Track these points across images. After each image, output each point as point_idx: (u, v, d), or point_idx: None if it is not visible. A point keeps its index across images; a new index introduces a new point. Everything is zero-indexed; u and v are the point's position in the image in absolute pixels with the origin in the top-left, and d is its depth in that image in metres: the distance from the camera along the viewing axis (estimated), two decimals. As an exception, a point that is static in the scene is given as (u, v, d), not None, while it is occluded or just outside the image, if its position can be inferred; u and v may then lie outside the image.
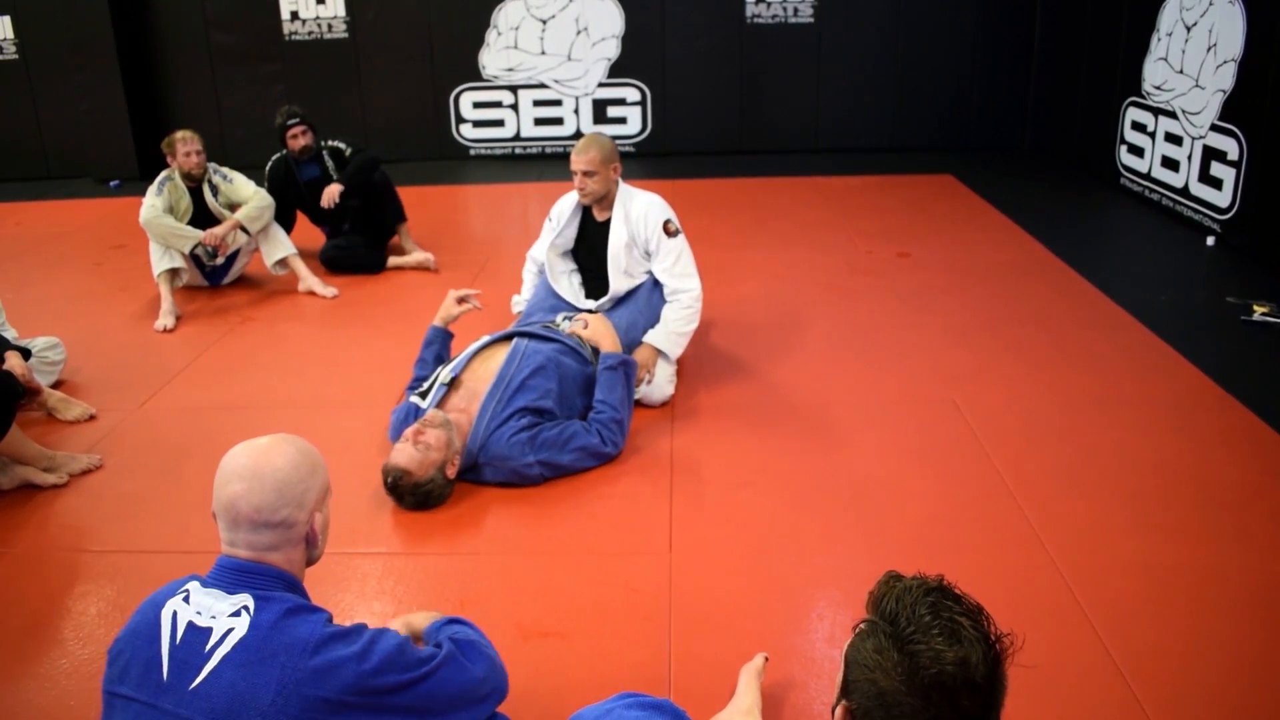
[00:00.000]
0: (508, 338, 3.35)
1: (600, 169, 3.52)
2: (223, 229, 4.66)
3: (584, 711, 1.55)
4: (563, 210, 3.75)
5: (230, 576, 1.53)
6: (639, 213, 3.58)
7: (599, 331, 3.32)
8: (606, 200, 3.62)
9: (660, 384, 3.52)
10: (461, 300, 3.50)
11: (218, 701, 1.43)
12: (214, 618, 1.49)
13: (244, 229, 4.75)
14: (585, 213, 3.73)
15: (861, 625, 1.24)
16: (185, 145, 4.68)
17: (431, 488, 2.89)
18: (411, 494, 2.88)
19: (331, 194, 4.99)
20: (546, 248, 3.77)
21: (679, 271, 3.58)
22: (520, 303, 4.07)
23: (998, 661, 1.17)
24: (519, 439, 3.00)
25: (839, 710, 1.24)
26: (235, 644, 1.46)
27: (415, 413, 3.15)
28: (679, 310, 3.57)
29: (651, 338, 3.53)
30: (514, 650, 2.25)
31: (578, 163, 3.52)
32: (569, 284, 3.80)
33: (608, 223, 3.63)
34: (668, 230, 3.56)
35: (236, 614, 1.49)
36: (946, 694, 1.14)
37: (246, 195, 4.79)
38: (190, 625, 1.49)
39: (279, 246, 4.87)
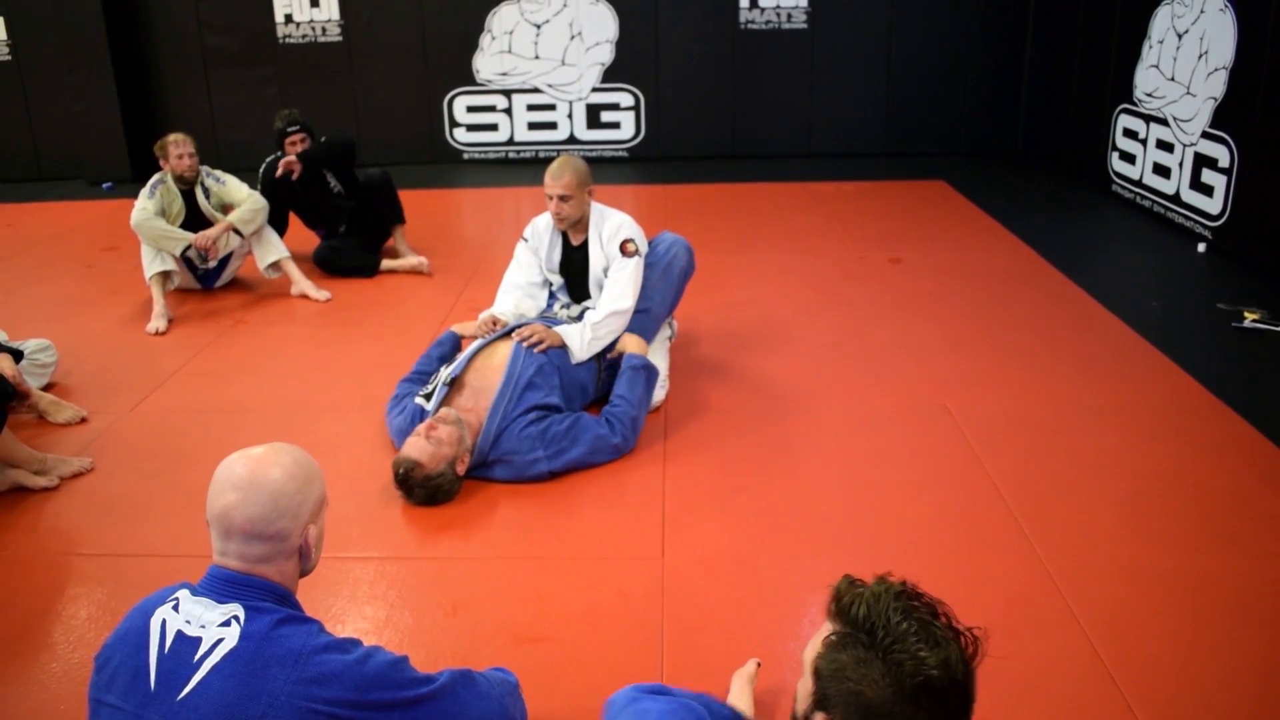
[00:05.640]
0: (508, 334, 3.36)
1: (576, 193, 3.45)
2: (215, 231, 4.65)
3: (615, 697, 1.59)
4: (539, 230, 3.70)
5: (220, 586, 1.52)
6: (610, 234, 3.53)
7: (627, 337, 3.45)
8: (581, 224, 3.57)
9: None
10: (492, 324, 3.46)
11: (206, 713, 1.42)
12: (203, 627, 1.47)
13: (237, 232, 4.74)
14: (563, 235, 3.67)
15: (832, 636, 1.24)
16: (178, 148, 4.67)
17: (441, 482, 2.91)
18: (422, 486, 2.90)
19: (289, 164, 4.83)
20: (535, 274, 3.72)
21: (618, 289, 3.46)
22: (506, 314, 3.67)
23: (971, 654, 1.22)
24: (529, 433, 3.04)
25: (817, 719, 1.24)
26: (225, 654, 1.45)
27: (419, 414, 3.17)
28: (599, 316, 3.44)
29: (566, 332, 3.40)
30: (506, 655, 2.26)
31: (553, 187, 3.43)
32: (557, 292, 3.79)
33: (584, 246, 3.60)
34: (625, 250, 3.50)
35: (226, 624, 1.47)
36: (935, 696, 1.17)
37: (239, 198, 4.79)
38: (179, 634, 1.47)
39: (272, 249, 4.86)
